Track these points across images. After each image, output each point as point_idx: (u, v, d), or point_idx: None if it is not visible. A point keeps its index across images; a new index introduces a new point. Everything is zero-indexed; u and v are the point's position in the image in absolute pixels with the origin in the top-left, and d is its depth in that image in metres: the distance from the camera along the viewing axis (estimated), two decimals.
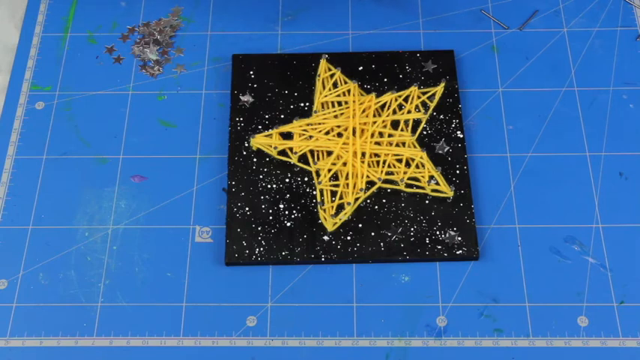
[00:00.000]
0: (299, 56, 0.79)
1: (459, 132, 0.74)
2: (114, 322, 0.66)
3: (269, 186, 0.72)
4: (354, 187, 0.71)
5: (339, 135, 0.74)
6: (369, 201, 0.71)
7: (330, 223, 0.69)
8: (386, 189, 0.72)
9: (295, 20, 0.83)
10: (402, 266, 0.69)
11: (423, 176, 0.71)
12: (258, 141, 0.73)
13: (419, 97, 0.76)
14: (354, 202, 0.70)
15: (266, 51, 0.80)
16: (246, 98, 0.76)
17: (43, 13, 0.83)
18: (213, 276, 0.68)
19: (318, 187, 0.71)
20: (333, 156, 0.72)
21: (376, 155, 0.73)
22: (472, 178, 0.72)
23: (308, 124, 0.74)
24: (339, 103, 0.76)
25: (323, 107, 0.76)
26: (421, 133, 0.74)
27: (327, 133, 0.73)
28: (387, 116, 0.74)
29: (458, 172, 0.72)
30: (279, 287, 0.68)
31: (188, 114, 0.77)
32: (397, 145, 0.73)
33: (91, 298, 0.67)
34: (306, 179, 0.72)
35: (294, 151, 0.73)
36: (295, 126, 0.74)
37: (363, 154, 0.72)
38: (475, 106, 0.77)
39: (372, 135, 0.73)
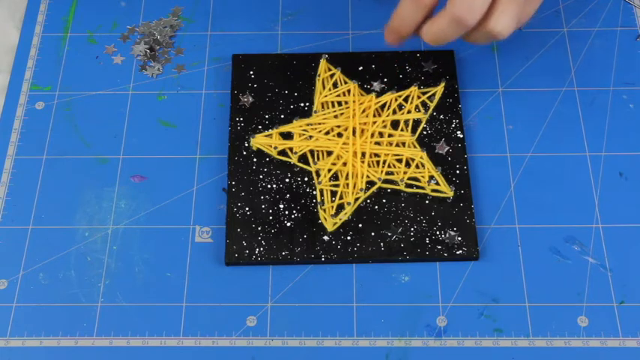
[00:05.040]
0: (299, 56, 0.79)
1: (459, 132, 0.74)
2: (114, 322, 0.66)
3: (269, 186, 0.72)
4: (354, 187, 0.71)
5: (339, 135, 0.74)
6: (369, 201, 0.71)
7: (330, 223, 0.69)
8: (386, 189, 0.72)
9: (295, 20, 0.82)
10: (402, 266, 0.69)
11: (423, 176, 0.71)
12: (258, 141, 0.73)
13: (419, 97, 0.76)
14: (354, 202, 0.70)
15: (266, 51, 0.80)
16: (246, 98, 0.76)
17: (43, 13, 0.83)
18: (213, 276, 0.68)
19: (318, 187, 0.71)
20: (333, 156, 0.72)
21: (376, 155, 0.73)
22: (472, 178, 0.72)
23: (308, 124, 0.74)
24: (339, 103, 0.76)
25: (323, 107, 0.76)
26: (421, 133, 0.74)
27: (327, 133, 0.73)
28: (387, 116, 0.74)
29: (458, 172, 0.72)
30: (279, 287, 0.68)
31: (188, 114, 0.77)
32: (397, 145, 0.73)
33: (91, 298, 0.67)
34: (306, 179, 0.72)
35: (294, 151, 0.73)
36: (295, 126, 0.74)
37: (363, 154, 0.72)
38: (475, 106, 0.77)
39: (372, 135, 0.73)
